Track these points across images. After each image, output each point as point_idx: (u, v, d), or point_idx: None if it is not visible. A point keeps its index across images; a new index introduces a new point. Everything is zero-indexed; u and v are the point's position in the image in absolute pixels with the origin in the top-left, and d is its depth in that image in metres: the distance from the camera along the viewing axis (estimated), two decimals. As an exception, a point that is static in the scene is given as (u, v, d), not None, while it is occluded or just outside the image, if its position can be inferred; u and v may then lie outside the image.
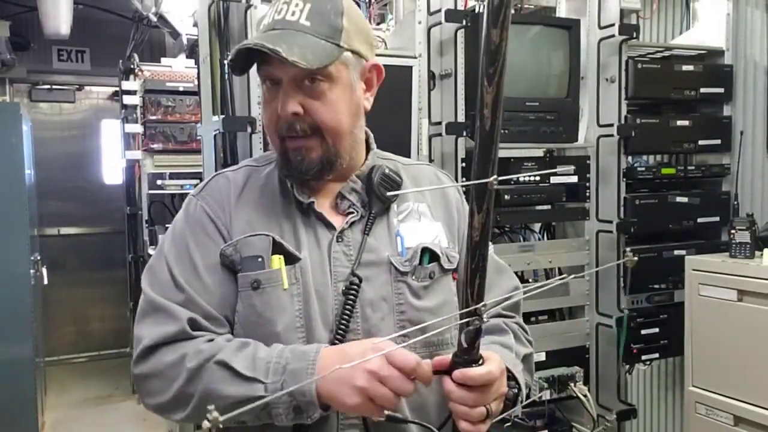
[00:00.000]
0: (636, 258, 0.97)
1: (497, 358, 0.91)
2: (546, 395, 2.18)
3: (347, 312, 1.00)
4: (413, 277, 1.05)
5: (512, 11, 2.42)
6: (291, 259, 1.01)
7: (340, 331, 0.99)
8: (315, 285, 1.01)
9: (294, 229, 1.04)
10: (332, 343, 0.99)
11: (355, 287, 1.01)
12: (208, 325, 0.99)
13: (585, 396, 2.22)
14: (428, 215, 1.11)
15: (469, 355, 0.84)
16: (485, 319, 0.79)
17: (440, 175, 1.20)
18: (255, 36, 0.99)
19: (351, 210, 1.06)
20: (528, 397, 1.05)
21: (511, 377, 0.98)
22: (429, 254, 1.07)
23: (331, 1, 1.00)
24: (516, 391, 0.99)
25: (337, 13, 0.99)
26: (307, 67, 0.94)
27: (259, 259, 1.00)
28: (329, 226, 1.05)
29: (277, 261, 1.00)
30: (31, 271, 3.39)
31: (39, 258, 3.76)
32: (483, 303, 0.78)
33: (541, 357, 2.21)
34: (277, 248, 1.01)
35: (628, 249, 2.31)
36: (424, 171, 1.19)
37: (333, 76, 0.99)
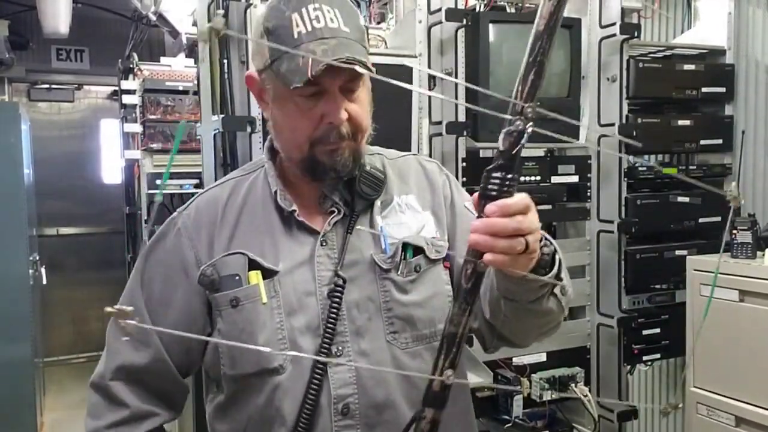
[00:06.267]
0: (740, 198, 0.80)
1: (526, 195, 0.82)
2: (547, 396, 2.17)
3: (333, 315, 0.99)
4: (398, 273, 1.04)
5: (513, 10, 2.38)
6: (269, 273, 1.01)
7: (327, 335, 0.99)
8: (297, 295, 1.01)
9: (274, 241, 1.04)
10: (320, 349, 0.99)
11: (339, 289, 1.00)
12: (133, 358, 1.05)
13: (586, 396, 2.21)
14: (415, 206, 1.10)
15: (504, 160, 0.74)
16: (529, 128, 0.71)
17: (425, 163, 1.18)
18: (312, 47, 0.93)
19: (333, 209, 1.06)
20: (564, 291, 0.98)
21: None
22: (412, 248, 1.05)
23: (347, 4, 1.00)
24: (553, 248, 0.92)
25: (358, 16, 1.01)
26: (367, 71, 0.93)
27: (237, 277, 1.01)
28: (312, 231, 1.05)
29: (255, 276, 1.01)
30: (30, 271, 3.38)
31: (38, 258, 3.75)
32: (531, 104, 0.70)
33: (542, 358, 2.20)
34: (254, 265, 1.02)
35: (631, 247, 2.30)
36: (409, 162, 1.17)
37: (363, 80, 1.00)
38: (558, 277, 0.93)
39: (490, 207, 0.75)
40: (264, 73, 1.01)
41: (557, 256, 0.92)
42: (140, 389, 1.07)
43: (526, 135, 0.71)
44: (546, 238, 0.91)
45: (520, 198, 0.77)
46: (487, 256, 0.76)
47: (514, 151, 0.73)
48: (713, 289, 2.10)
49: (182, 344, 1.06)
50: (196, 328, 1.05)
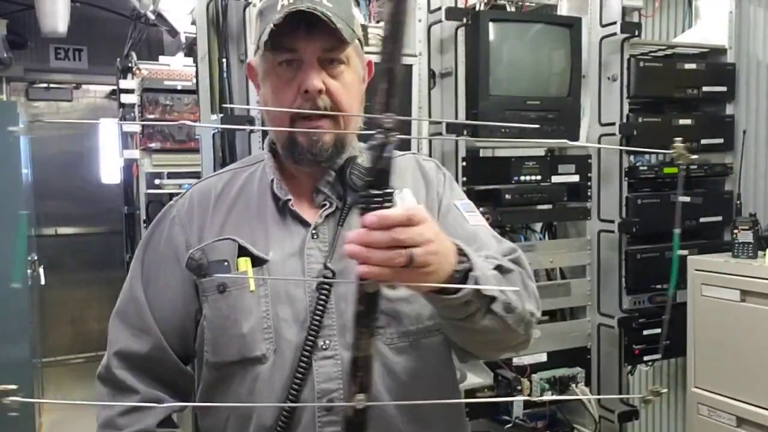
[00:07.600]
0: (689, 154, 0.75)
1: (420, 206, 0.80)
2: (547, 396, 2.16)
3: (320, 308, 0.99)
4: None
5: (513, 9, 2.37)
6: (258, 261, 1.01)
7: (313, 328, 0.98)
8: (285, 285, 1.01)
9: (266, 230, 1.04)
10: (306, 342, 0.98)
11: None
12: (132, 346, 1.07)
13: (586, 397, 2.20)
14: (410, 200, 1.08)
15: (373, 176, 0.72)
16: (393, 137, 0.68)
17: (422, 162, 1.18)
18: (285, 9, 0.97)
19: (325, 203, 1.06)
20: (509, 308, 0.91)
21: (461, 253, 0.87)
22: None
23: None
24: (467, 266, 0.86)
25: (351, 3, 1.03)
26: (343, 37, 0.95)
27: (225, 263, 1.02)
28: (304, 223, 1.05)
29: (244, 263, 1.01)
30: (29, 271, 3.37)
31: (36, 258, 3.74)
32: (387, 114, 0.68)
33: (542, 358, 2.20)
34: (243, 251, 1.02)
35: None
36: (407, 160, 1.17)
37: (349, 60, 1.02)
38: (486, 295, 0.88)
39: (369, 217, 0.74)
40: (255, 54, 1.05)
41: (472, 274, 0.87)
42: (145, 376, 1.07)
43: (389, 146, 0.69)
44: (466, 255, 0.88)
45: (403, 209, 0.76)
46: (361, 268, 0.74)
47: (380, 165, 0.71)
48: None
49: (179, 331, 1.07)
50: (191, 314, 1.06)
